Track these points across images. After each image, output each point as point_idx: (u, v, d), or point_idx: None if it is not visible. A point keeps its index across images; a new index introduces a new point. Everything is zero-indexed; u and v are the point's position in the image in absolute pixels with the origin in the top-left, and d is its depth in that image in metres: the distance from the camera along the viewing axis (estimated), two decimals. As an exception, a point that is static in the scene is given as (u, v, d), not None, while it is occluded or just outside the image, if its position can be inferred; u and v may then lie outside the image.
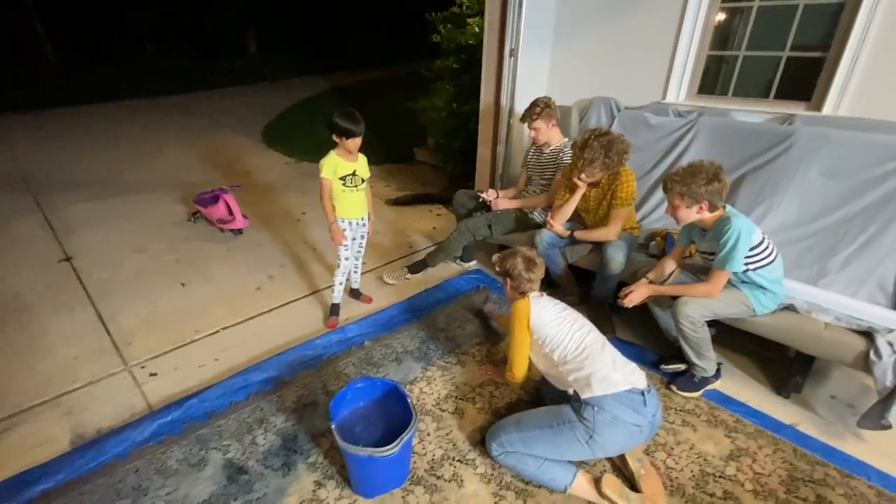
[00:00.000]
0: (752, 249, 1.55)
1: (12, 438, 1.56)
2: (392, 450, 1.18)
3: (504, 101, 2.95)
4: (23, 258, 2.76)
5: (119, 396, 1.75)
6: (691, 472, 1.44)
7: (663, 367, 1.87)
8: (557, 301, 1.57)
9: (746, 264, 1.56)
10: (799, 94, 2.40)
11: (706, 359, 1.72)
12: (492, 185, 3.10)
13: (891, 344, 1.45)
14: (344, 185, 1.98)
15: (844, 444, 1.56)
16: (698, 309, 1.61)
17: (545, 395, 1.67)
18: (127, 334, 2.10)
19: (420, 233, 3.26)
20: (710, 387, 1.76)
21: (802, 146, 1.85)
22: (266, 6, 11.53)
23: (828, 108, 2.22)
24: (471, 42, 3.49)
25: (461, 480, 1.41)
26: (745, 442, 1.55)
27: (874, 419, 1.49)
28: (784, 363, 1.81)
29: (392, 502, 1.34)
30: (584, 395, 1.31)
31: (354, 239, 2.15)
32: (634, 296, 1.73)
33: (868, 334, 1.50)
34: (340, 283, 2.18)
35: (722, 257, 1.56)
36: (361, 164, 2.04)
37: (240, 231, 3.11)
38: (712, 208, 1.58)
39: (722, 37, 2.61)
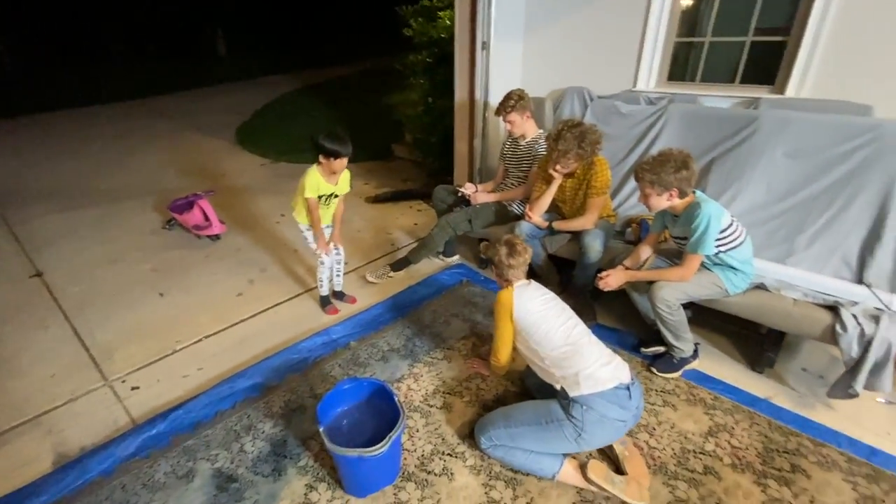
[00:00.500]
0: (721, 232, 1.60)
1: (-9, 462, 1.53)
2: (380, 449, 1.19)
3: (478, 94, 2.95)
4: (-10, 276, 2.67)
5: (101, 412, 1.71)
6: (673, 450, 1.49)
7: (643, 350, 1.92)
8: (544, 290, 1.56)
9: (717, 247, 1.61)
10: (764, 77, 2.46)
11: (684, 340, 1.77)
12: (470, 180, 3.11)
13: (855, 317, 1.52)
14: (320, 200, 2.00)
15: (816, 415, 1.63)
16: (673, 292, 1.66)
17: (531, 387, 1.70)
18: (106, 349, 2.06)
19: (402, 229, 3.26)
20: (688, 367, 1.82)
21: (767, 129, 1.90)
22: (236, 5, 11.26)
23: (791, 91, 2.29)
24: (443, 36, 3.47)
25: (451, 474, 1.43)
26: (723, 418, 1.61)
27: (842, 389, 1.56)
28: (757, 340, 1.88)
29: (384, 500, 1.36)
30: (572, 394, 1.32)
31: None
32: (611, 280, 1.77)
33: (834, 308, 1.57)
34: (326, 278, 2.20)
35: (694, 241, 1.61)
36: (343, 183, 2.05)
37: (217, 237, 3.06)
38: (682, 195, 1.63)
39: (689, 23, 2.65)
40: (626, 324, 2.12)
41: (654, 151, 1.70)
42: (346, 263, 2.35)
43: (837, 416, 1.63)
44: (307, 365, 1.90)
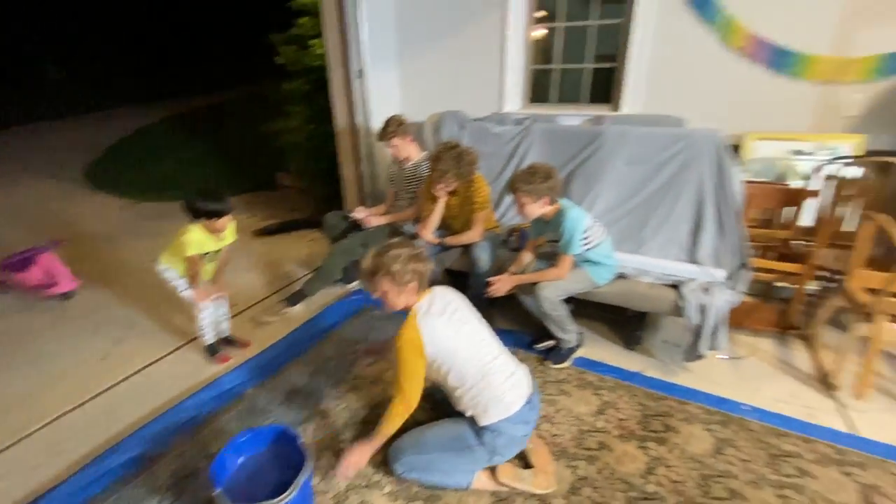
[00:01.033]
0: (584, 233, 1.83)
1: None
2: (286, 497, 1.13)
3: (359, 120, 2.99)
4: None
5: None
6: (570, 433, 1.64)
7: (536, 346, 2.09)
8: (447, 298, 1.43)
9: (583, 246, 1.84)
10: (605, 98, 2.89)
11: (569, 331, 1.97)
12: (362, 204, 3.12)
13: (692, 291, 1.83)
14: (204, 256, 1.86)
15: (677, 378, 1.92)
16: (553, 290, 1.84)
17: (441, 400, 1.73)
18: (-83, 453, 1.63)
19: (295, 261, 3.13)
20: (575, 354, 2.02)
21: (609, 143, 2.23)
22: (80, 27, 9.84)
23: (625, 109, 2.72)
24: (319, 63, 3.46)
25: (370, 505, 1.40)
26: (609, 395, 1.82)
27: (692, 352, 1.87)
28: (626, 322, 2.16)
29: (300, 551, 1.28)
30: (482, 423, 1.35)
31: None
32: (500, 286, 1.92)
33: (676, 286, 1.88)
34: (209, 325, 2.01)
35: (564, 244, 1.82)
36: (229, 234, 1.91)
37: (69, 294, 2.63)
38: (552, 202, 1.84)
39: (544, 51, 3.01)
40: (519, 324, 2.28)
41: (525, 166, 1.89)
42: (233, 305, 2.18)
43: (693, 375, 1.94)
44: (197, 424, 1.71)
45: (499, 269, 2.10)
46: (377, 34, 2.94)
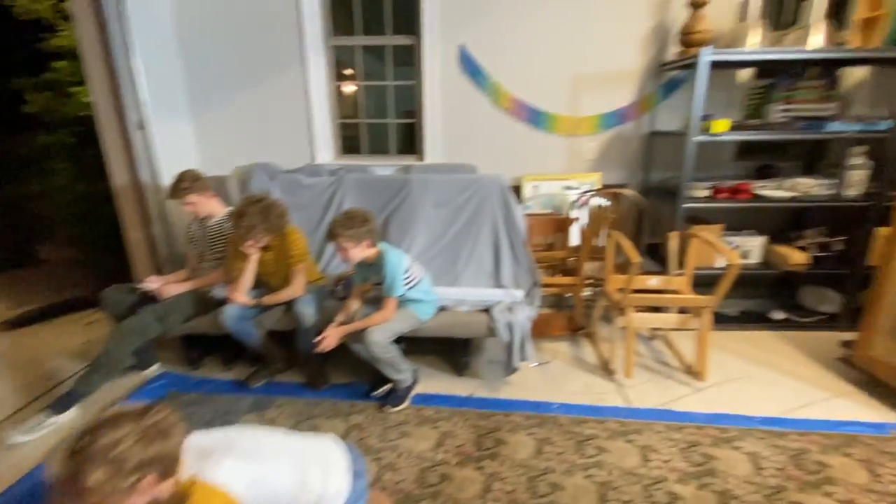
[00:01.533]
0: (406, 273, 1.93)
1: None
2: None
3: (145, 177, 2.61)
4: None
5: None
6: (413, 474, 1.64)
7: (374, 394, 2.07)
8: (246, 436, 1.08)
9: (406, 286, 1.93)
10: (411, 149, 3.17)
11: (403, 371, 2.00)
12: (158, 271, 2.68)
13: (500, 312, 2.08)
14: None
15: (502, 393, 2.12)
16: (382, 334, 1.87)
17: None
18: None
19: (65, 355, 2.48)
20: (413, 392, 2.07)
21: (416, 190, 2.45)
22: None
23: (429, 158, 3.03)
24: (86, 113, 2.94)
25: None
26: (446, 425, 1.89)
27: (508, 367, 2.10)
28: (455, 350, 2.32)
29: None
30: None
31: None
32: (328, 341, 1.86)
33: (487, 310, 2.11)
34: None
35: (387, 286, 1.88)
36: None
37: None
38: (373, 245, 1.89)
39: (353, 105, 3.16)
40: (357, 374, 2.23)
41: (341, 212, 1.92)
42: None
43: (514, 387, 2.16)
44: None
45: (328, 321, 2.04)
46: (160, 83, 2.67)
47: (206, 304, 2.23)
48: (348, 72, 3.12)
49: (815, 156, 2.83)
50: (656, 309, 2.36)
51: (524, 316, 2.09)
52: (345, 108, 3.15)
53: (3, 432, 1.85)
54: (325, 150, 3.09)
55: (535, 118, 2.90)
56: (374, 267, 1.94)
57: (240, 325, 2.06)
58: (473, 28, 2.77)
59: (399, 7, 2.92)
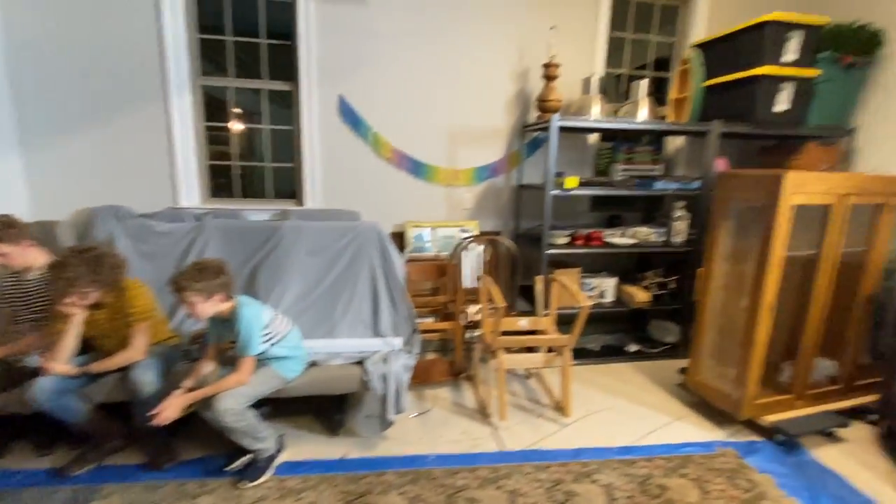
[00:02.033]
0: (266, 329, 1.79)
1: None
2: None
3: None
4: None
5: None
6: (266, 560, 1.46)
7: (229, 468, 1.83)
8: None
9: (265, 343, 1.78)
10: (290, 194, 3.06)
11: (264, 439, 1.81)
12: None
13: (374, 364, 2.02)
14: None
15: (378, 450, 2.02)
16: (235, 400, 1.69)
17: None
18: None
19: None
20: (277, 462, 1.87)
21: (289, 236, 2.34)
22: None
23: (309, 203, 2.94)
24: None
25: None
26: (311, 496, 1.73)
27: (384, 421, 2.02)
28: (327, 408, 2.18)
29: None
30: None
31: None
32: (167, 412, 1.62)
33: (361, 362, 2.04)
34: None
35: (242, 345, 1.72)
36: None
37: None
38: (226, 299, 1.73)
39: (223, 145, 2.98)
40: (213, 446, 1.97)
41: (189, 263, 1.73)
42: None
43: (392, 442, 2.08)
44: None
45: (176, 388, 1.78)
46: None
47: (14, 375, 1.83)
48: (237, 111, 2.98)
49: (653, 208, 3.33)
50: (530, 349, 2.50)
51: (400, 365, 2.06)
52: (229, 148, 2.97)
53: None
54: (191, 193, 2.85)
55: (416, 168, 3.01)
56: (228, 323, 1.77)
57: (57, 401, 1.72)
58: (353, 80, 2.83)
59: (277, 52, 2.89)
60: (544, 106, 2.74)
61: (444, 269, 2.88)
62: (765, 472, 1.88)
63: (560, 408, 2.34)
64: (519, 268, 2.89)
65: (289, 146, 2.98)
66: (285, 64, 2.87)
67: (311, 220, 2.57)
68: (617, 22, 3.17)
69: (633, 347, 3.07)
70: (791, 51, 2.53)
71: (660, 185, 2.73)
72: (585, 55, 3.07)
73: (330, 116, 2.86)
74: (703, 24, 3.14)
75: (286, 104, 2.94)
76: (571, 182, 2.60)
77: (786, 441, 2.04)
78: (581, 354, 2.97)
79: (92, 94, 2.62)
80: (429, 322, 2.75)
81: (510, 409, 2.35)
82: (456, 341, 2.60)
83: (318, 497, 1.72)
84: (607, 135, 3.20)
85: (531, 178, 3.11)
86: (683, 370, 2.54)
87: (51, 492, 1.73)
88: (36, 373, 1.77)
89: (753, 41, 2.54)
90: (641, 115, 2.80)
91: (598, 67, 3.09)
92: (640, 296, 2.87)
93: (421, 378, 2.57)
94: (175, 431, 1.91)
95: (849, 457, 2.01)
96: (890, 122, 2.72)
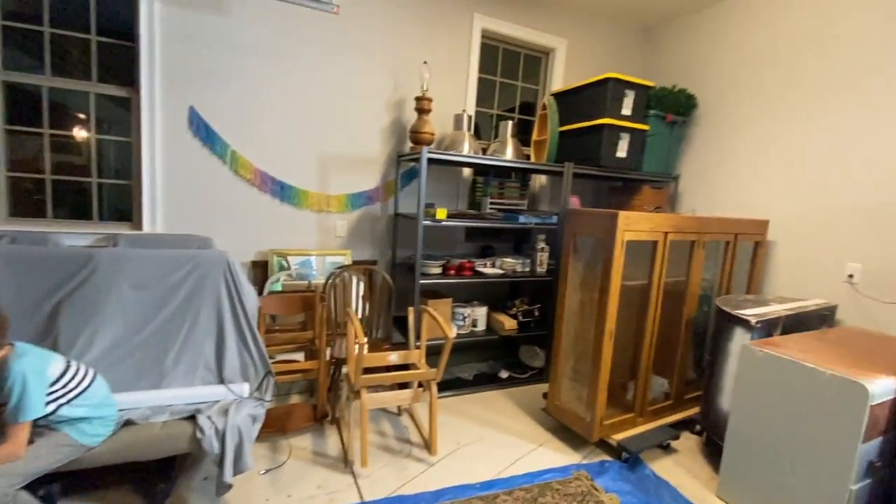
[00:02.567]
0: (52, 386, 1.42)
1: None
2: None
3: None
4: None
5: None
6: None
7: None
8: None
9: (53, 402, 1.41)
10: (124, 215, 2.60)
11: (44, 528, 1.41)
12: None
13: (209, 417, 1.73)
14: None
15: (213, 520, 1.71)
16: (4, 479, 1.29)
17: None
18: None
19: None
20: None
21: (107, 267, 1.95)
22: None
23: (147, 227, 2.53)
24: None
25: None
26: None
27: (220, 485, 1.73)
28: (151, 475, 1.81)
29: None
30: None
31: None
32: None
33: (193, 417, 1.73)
34: None
35: (13, 409, 1.33)
36: None
37: None
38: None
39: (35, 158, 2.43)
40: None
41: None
42: None
43: (232, 508, 1.79)
44: None
45: None
46: None
47: None
48: (82, 116, 2.46)
49: (522, 239, 3.52)
50: (403, 384, 2.40)
51: (245, 416, 1.79)
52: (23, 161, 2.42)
53: None
54: (-23, 212, 2.26)
55: (282, 192, 2.79)
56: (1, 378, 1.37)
57: None
58: (208, 92, 2.55)
59: (110, 51, 2.49)
60: (417, 138, 2.75)
61: (310, 301, 2.66)
62: (611, 491, 2.00)
63: (428, 445, 2.25)
64: (394, 298, 2.80)
65: (123, 160, 2.55)
66: (125, 66, 2.48)
67: (146, 246, 2.20)
68: (488, 65, 3.38)
69: (504, 374, 3.14)
70: (627, 106, 2.91)
71: (523, 219, 2.89)
72: (459, 93, 3.20)
73: (177, 129, 2.52)
74: (560, 75, 3.50)
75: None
76: (441, 213, 2.62)
77: (629, 458, 2.20)
78: (455, 385, 2.95)
79: None
80: (289, 362, 2.50)
81: (377, 451, 2.20)
82: (320, 381, 2.39)
83: None
84: (479, 170, 3.33)
85: (407, 207, 3.09)
86: (546, 395, 2.65)
87: None
88: None
89: (599, 95, 2.88)
90: (508, 152, 2.97)
91: (469, 105, 3.23)
92: (508, 323, 2.97)
93: (278, 426, 2.30)
94: None
95: (679, 467, 2.24)
96: (703, 171, 3.26)
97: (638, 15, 3.48)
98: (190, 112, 2.53)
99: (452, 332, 2.12)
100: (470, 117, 2.97)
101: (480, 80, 3.35)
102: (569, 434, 2.45)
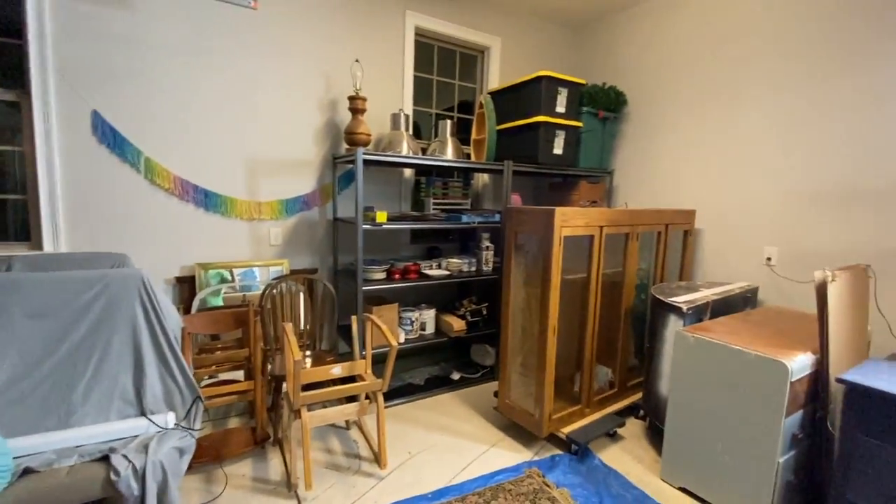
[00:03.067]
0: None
1: None
2: None
3: None
4: None
5: None
6: None
7: None
8: None
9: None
10: (20, 235, 2.31)
11: None
12: None
13: (125, 456, 1.56)
14: None
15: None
16: None
17: None
18: None
19: None
20: None
21: (-8, 295, 1.71)
22: None
23: (48, 246, 2.26)
24: None
25: None
26: None
27: (143, 529, 1.56)
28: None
29: None
30: None
31: None
32: None
33: (106, 457, 1.55)
34: None
35: None
36: None
37: None
38: None
39: None
40: None
41: None
42: None
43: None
44: None
45: None
46: None
47: None
48: None
49: (468, 238, 3.51)
50: (350, 397, 2.30)
51: (169, 449, 1.63)
52: None
53: None
54: None
55: (207, 200, 2.59)
56: None
57: None
58: (114, 94, 2.31)
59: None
60: (352, 139, 2.65)
61: (242, 317, 2.49)
62: (562, 486, 2.01)
63: (378, 459, 2.17)
64: (337, 307, 2.69)
65: (14, 174, 2.26)
66: (11, 66, 2.20)
67: (48, 268, 1.96)
68: (424, 64, 3.33)
69: (456, 375, 3.11)
70: (561, 104, 2.96)
71: (466, 218, 2.87)
72: (395, 92, 3.12)
73: (80, 136, 2.27)
74: (497, 74, 3.51)
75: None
76: (381, 216, 2.53)
77: (579, 450, 2.24)
78: (406, 391, 2.88)
79: None
80: (231, 382, 2.32)
81: (324, 470, 2.09)
82: (257, 402, 2.23)
83: None
84: (422, 170, 3.28)
85: (347, 211, 2.98)
86: (496, 393, 2.64)
87: None
88: None
89: (533, 93, 2.91)
90: (449, 152, 2.93)
91: (406, 105, 3.17)
92: (457, 324, 2.94)
93: (214, 454, 2.13)
94: None
95: (626, 453, 2.30)
96: (635, 166, 3.39)
97: (567, 13, 3.57)
98: (94, 117, 2.29)
99: (397, 340, 2.05)
100: (407, 117, 2.91)
101: (417, 79, 3.29)
102: (520, 431, 2.46)
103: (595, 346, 2.44)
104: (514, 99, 3.04)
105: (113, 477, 1.51)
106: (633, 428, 2.55)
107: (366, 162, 2.65)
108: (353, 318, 2.42)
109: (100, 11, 2.25)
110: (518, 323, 2.41)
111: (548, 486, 2.01)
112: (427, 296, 3.37)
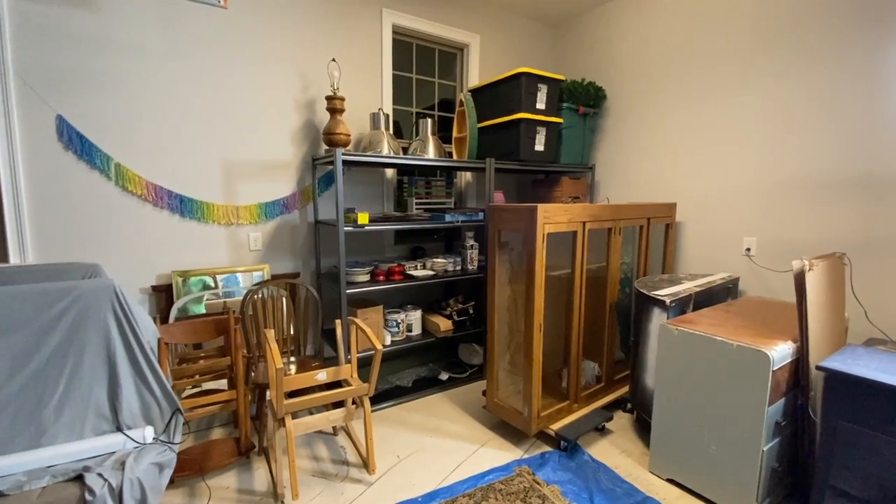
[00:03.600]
0: None
1: None
2: None
3: None
4: None
5: None
6: None
7: None
8: None
9: None
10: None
11: None
12: None
13: (101, 475, 1.50)
14: None
15: (117, 590, 1.48)
16: None
17: None
18: None
19: None
20: None
21: (-48, 311, 1.63)
22: None
23: (15, 259, 2.17)
24: None
25: None
26: None
27: (122, 549, 1.50)
28: (34, 551, 1.53)
29: None
30: None
31: None
32: None
33: (81, 476, 1.49)
34: None
35: None
36: None
37: None
38: None
39: None
40: None
41: None
42: None
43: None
44: None
45: None
46: None
47: None
48: None
49: (452, 238, 3.49)
50: (337, 403, 2.26)
51: (147, 465, 1.57)
52: None
53: None
54: None
55: (182, 206, 2.52)
56: None
57: None
58: (80, 98, 2.23)
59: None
60: (331, 139, 2.60)
61: (222, 325, 2.43)
62: (552, 483, 2.01)
63: (366, 464, 2.14)
64: (320, 311, 2.64)
65: None
66: (-35, 71, 2.09)
67: (14, 281, 1.87)
68: (403, 62, 3.29)
69: (444, 376, 3.09)
70: (541, 100, 2.96)
71: (450, 218, 2.84)
72: (374, 91, 3.08)
73: (44, 142, 2.18)
74: (476, 71, 3.50)
75: None
76: (363, 218, 2.50)
77: (568, 446, 2.24)
78: (394, 393, 2.85)
79: None
80: (216, 391, 2.26)
81: (311, 478, 2.05)
82: (240, 411, 2.18)
83: None
84: (402, 170, 3.24)
85: (328, 213, 2.93)
86: (485, 392, 2.63)
87: None
88: None
89: (513, 90, 2.90)
90: (430, 151, 2.91)
91: (386, 104, 3.13)
92: (444, 324, 2.92)
93: (196, 467, 2.07)
94: None
95: (614, 447, 2.31)
96: (616, 160, 3.41)
97: (545, 8, 3.57)
98: (59, 122, 2.20)
99: (382, 344, 2.02)
100: (387, 116, 2.87)
101: (396, 78, 3.25)
102: (510, 429, 2.45)
103: (581, 341, 2.45)
104: (494, 96, 3.03)
105: (88, 497, 1.45)
106: (620, 421, 2.57)
107: (346, 163, 2.61)
108: (338, 321, 2.38)
109: (60, 12, 2.16)
110: (504, 321, 2.40)
111: (538, 483, 2.00)
112: (413, 296, 3.34)
